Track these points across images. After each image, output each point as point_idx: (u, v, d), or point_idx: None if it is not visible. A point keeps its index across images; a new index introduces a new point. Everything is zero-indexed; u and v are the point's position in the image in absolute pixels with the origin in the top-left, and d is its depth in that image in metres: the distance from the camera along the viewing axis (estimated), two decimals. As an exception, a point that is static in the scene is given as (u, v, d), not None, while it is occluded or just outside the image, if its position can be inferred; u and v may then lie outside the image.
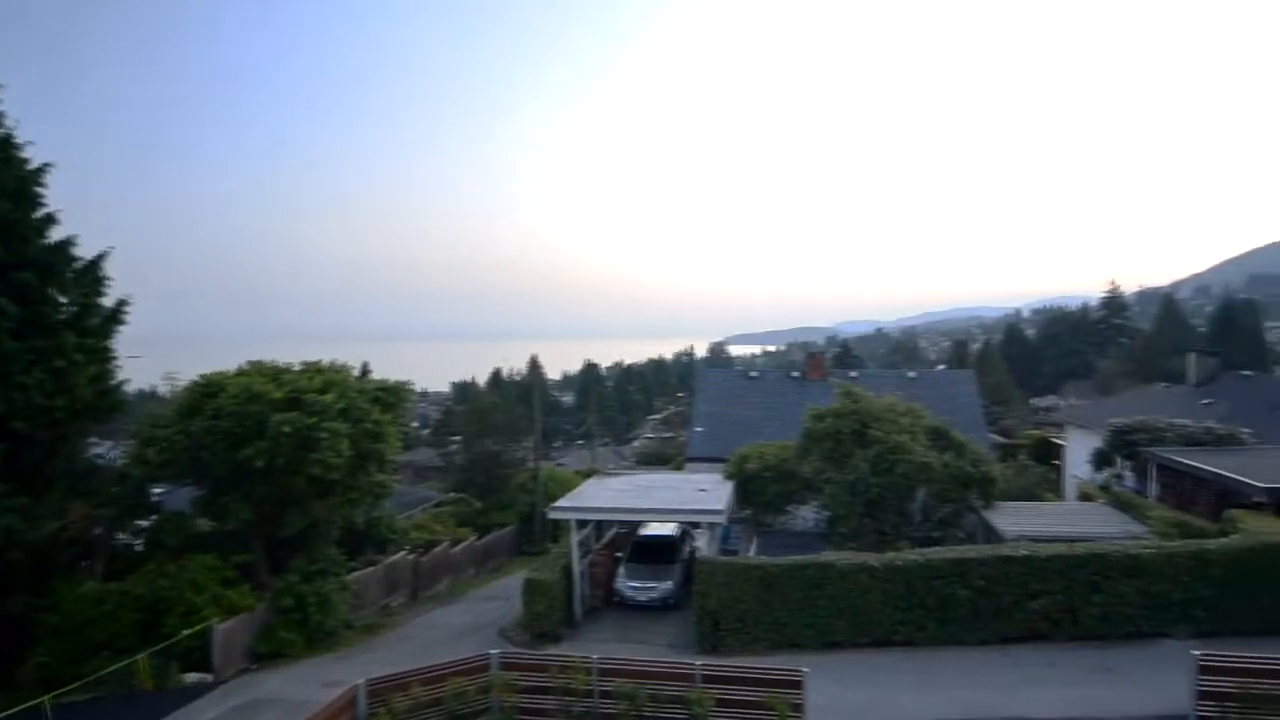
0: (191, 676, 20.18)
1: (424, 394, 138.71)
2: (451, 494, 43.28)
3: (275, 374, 23.74)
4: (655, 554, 25.16)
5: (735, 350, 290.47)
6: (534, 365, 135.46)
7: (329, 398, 22.57)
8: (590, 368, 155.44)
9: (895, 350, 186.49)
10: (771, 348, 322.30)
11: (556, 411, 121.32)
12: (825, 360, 43.94)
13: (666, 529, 26.46)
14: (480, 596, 29.56)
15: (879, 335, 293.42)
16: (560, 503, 24.31)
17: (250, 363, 25.06)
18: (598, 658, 14.33)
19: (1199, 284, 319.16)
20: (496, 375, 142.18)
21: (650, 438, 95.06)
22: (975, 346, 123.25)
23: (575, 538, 22.89)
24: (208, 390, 23.07)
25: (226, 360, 25.74)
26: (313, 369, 24.75)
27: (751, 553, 22.64)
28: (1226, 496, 21.53)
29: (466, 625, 24.74)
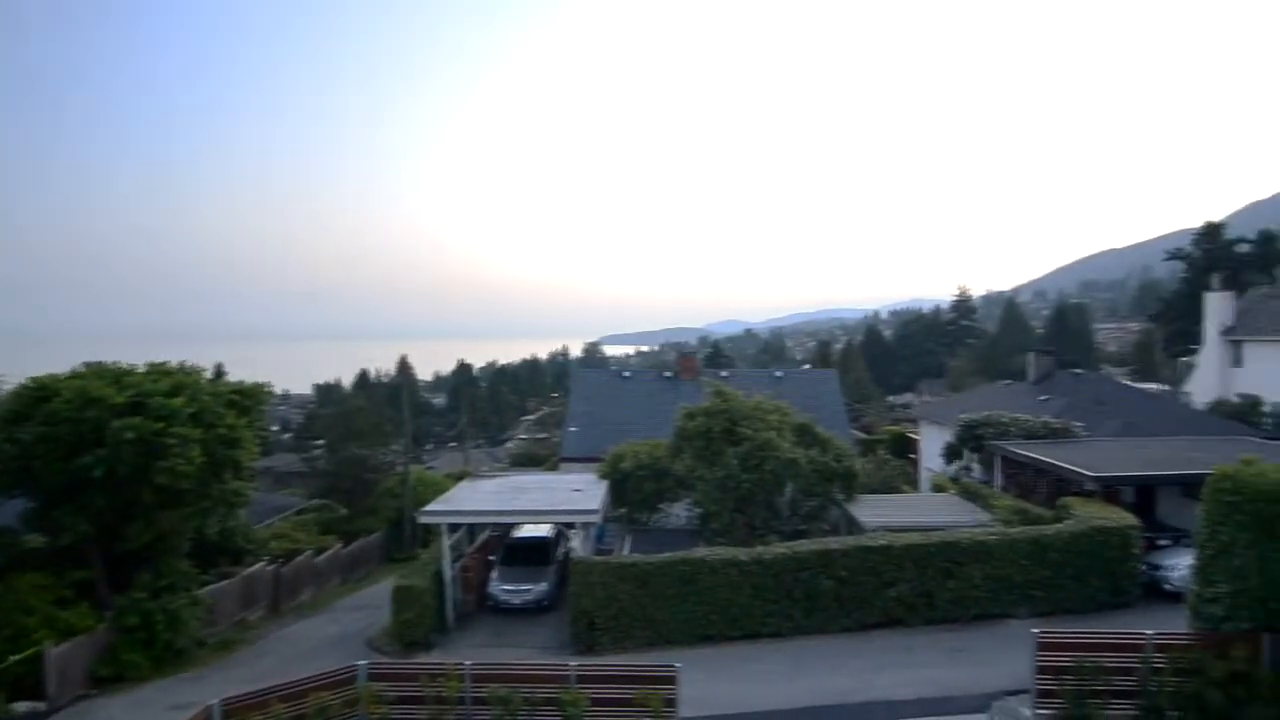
0: (22, 706, 18.45)
1: (285, 396, 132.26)
2: (315, 500, 41.42)
3: (117, 376, 22.00)
4: (529, 556, 24.94)
5: (610, 350, 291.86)
6: (403, 365, 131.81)
7: (178, 401, 21.12)
8: (463, 368, 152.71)
9: (764, 350, 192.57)
10: (645, 348, 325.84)
11: (427, 413, 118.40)
12: (697, 360, 44.80)
13: (541, 530, 26.27)
14: (347, 606, 28.43)
15: (748, 336, 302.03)
16: (431, 506, 23.72)
17: (87, 364, 23.13)
18: (470, 663, 14.03)
19: (1037, 289, 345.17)
20: (363, 376, 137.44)
21: (524, 439, 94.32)
22: (838, 347, 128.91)
23: (447, 542, 22.39)
24: (39, 394, 21.10)
25: (66, 360, 23.68)
26: (159, 370, 23.09)
27: (626, 551, 22.78)
28: (1062, 485, 23.31)
29: (332, 637, 23.73)
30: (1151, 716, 12.72)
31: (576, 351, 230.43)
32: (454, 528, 23.16)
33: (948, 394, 72.89)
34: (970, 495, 25.95)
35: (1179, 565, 19.04)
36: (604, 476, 25.83)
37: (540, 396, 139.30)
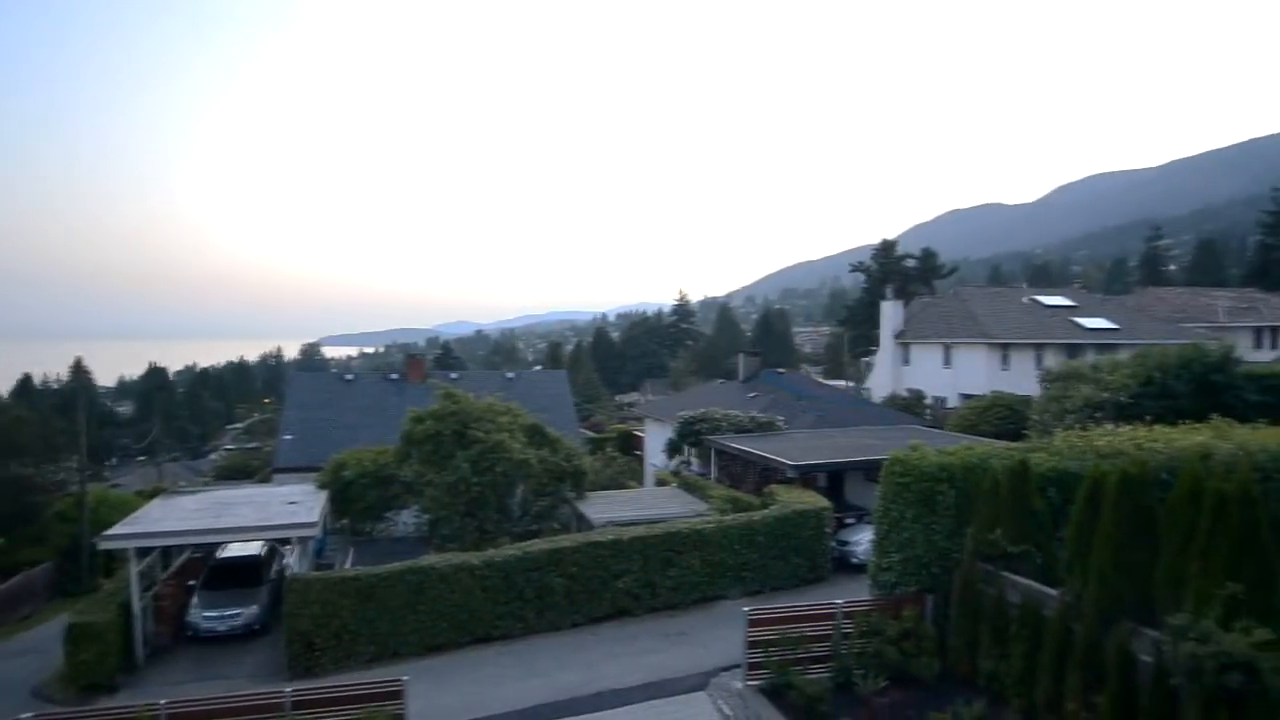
0: None
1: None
2: (-41, 531, 34.77)
3: None
4: (236, 577, 22.68)
5: (330, 352, 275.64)
6: (78, 369, 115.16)
7: None
8: (155, 372, 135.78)
9: (495, 352, 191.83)
10: (370, 349, 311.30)
11: (112, 424, 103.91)
12: (425, 362, 43.55)
13: (251, 548, 24.03)
14: (6, 652, 24.15)
15: (479, 337, 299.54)
16: (115, 530, 20.77)
17: None
18: (166, 702, 12.49)
19: (748, 294, 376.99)
20: (26, 382, 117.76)
21: (231, 449, 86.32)
22: (568, 348, 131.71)
23: (135, 569, 19.74)
24: None
25: None
26: None
27: (349, 564, 21.53)
28: (767, 473, 25.51)
29: (-17, 691, 20.00)
30: (841, 676, 14.26)
31: (293, 353, 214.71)
32: (145, 552, 20.48)
33: (670, 392, 76.98)
34: (690, 487, 27.60)
35: (862, 540, 21.60)
36: (323, 486, 24.26)
37: (250, 402, 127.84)
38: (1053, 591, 12.75)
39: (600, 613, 19.89)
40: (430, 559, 19.53)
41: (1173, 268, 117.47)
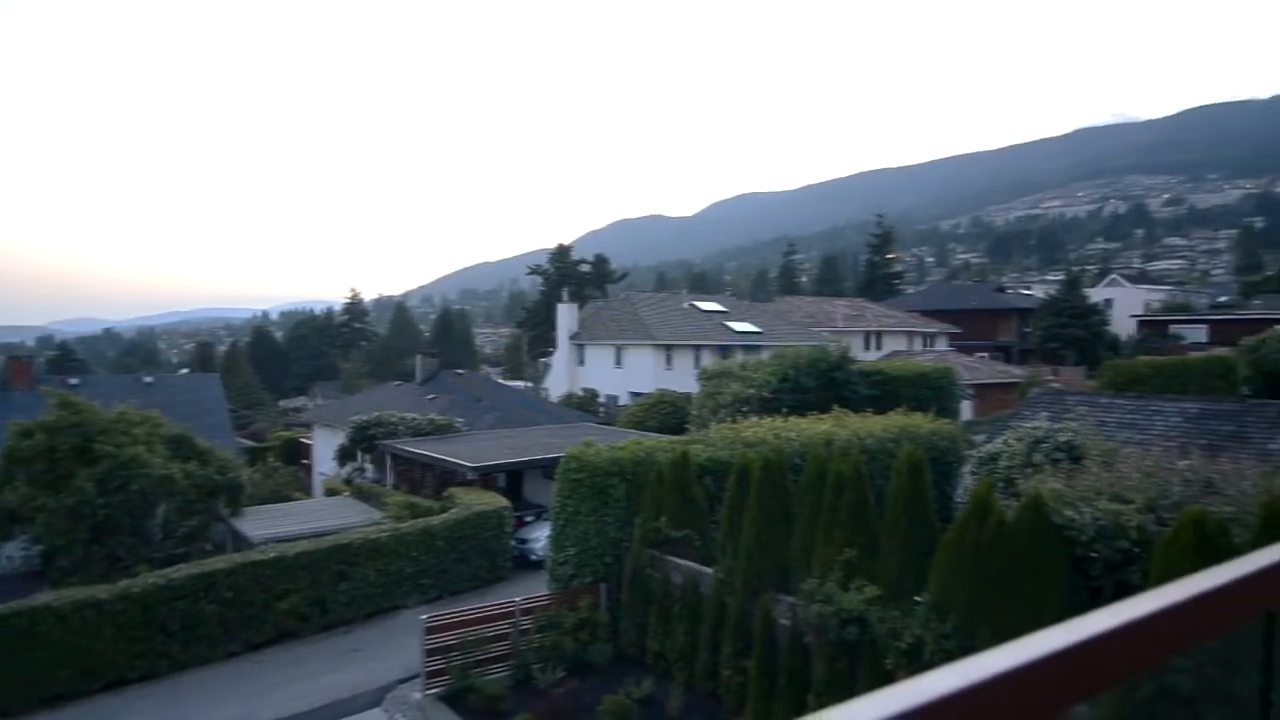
0: None
1: None
2: None
3: None
4: None
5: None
6: None
7: None
8: None
9: (130, 353, 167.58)
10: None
11: None
12: (33, 365, 36.96)
13: None
14: None
15: (109, 336, 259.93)
16: None
17: None
18: None
19: (425, 294, 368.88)
20: None
21: None
22: (222, 349, 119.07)
23: None
24: None
25: None
26: None
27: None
28: (447, 476, 25.12)
29: None
30: (521, 672, 14.46)
31: None
32: None
33: (342, 396, 72.96)
34: (364, 495, 26.32)
35: (541, 537, 22.05)
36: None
37: None
38: (709, 570, 14.00)
39: (263, 638, 18.21)
40: (45, 597, 16.55)
41: (804, 279, 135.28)
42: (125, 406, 22.19)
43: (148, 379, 38.13)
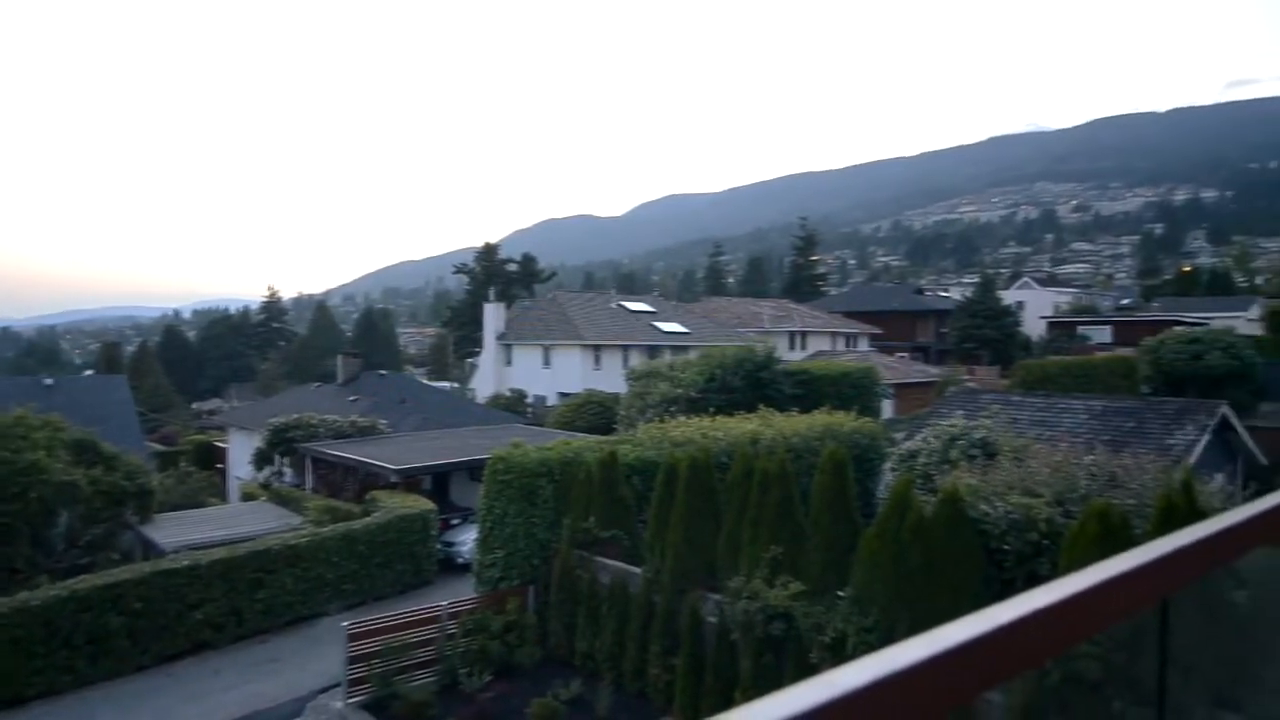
0: None
1: None
2: None
3: None
4: None
5: None
6: None
7: None
8: None
9: (29, 353, 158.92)
10: None
11: None
12: (-75, 366, 34.72)
13: None
14: None
15: (6, 335, 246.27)
16: None
17: None
18: None
19: (346, 293, 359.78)
20: None
21: None
22: (130, 349, 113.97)
23: None
24: None
25: None
26: None
27: None
28: (370, 479, 24.57)
29: None
30: (447, 677, 14.24)
31: None
32: None
33: (258, 398, 70.78)
34: (282, 500, 25.56)
35: (467, 540, 21.79)
36: None
37: None
38: (637, 570, 14.04)
39: (174, 650, 17.49)
40: (-68, 614, 15.57)
41: (730, 280, 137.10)
42: (24, 410, 21.06)
43: (48, 381, 36.30)
